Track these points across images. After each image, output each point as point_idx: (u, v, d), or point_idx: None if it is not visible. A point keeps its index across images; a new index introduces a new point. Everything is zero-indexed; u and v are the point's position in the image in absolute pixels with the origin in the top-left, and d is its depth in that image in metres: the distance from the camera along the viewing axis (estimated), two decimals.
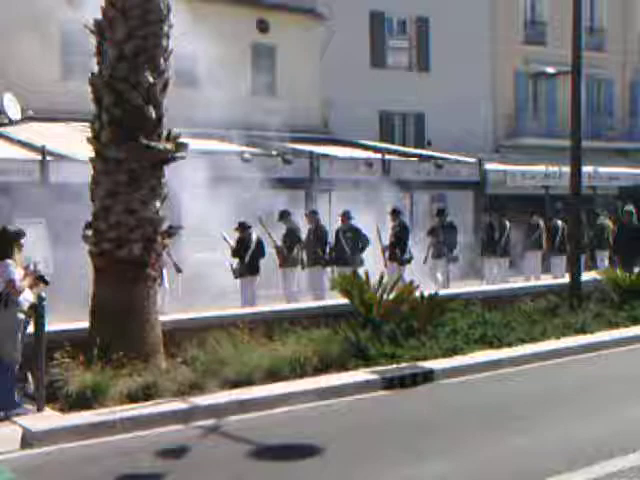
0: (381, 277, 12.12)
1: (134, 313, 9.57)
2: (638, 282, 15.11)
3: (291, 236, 16.51)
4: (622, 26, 34.88)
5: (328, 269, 16.94)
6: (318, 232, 16.83)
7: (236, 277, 15.62)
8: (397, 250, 17.29)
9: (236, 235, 15.65)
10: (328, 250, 16.88)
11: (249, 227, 15.69)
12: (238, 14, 26.27)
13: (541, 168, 25.88)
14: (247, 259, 15.58)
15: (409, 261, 17.45)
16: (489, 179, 24.75)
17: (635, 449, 7.35)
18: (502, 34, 31.40)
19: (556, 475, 6.75)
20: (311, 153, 21.77)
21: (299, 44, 26.94)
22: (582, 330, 12.95)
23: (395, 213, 17.63)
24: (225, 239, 15.51)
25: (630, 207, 19.44)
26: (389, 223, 17.72)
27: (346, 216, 17.12)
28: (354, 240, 16.88)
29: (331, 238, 17.15)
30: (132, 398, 8.50)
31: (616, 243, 19.37)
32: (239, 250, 15.55)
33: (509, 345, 11.74)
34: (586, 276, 15.52)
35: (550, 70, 28.88)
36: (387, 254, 17.36)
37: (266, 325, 10.75)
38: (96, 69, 9.89)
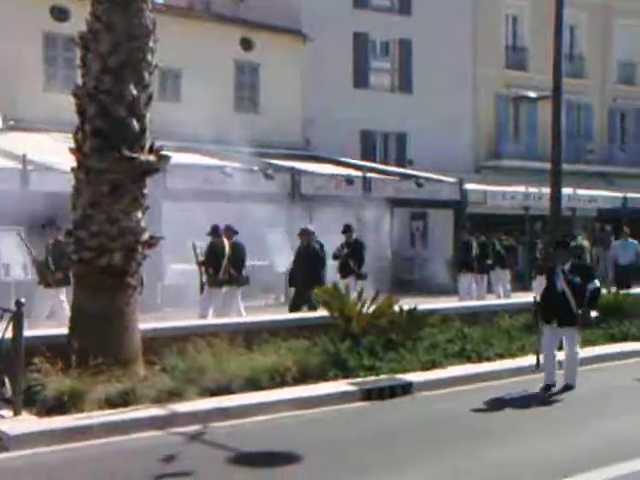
0: (360, 291, 12.16)
1: (113, 320, 9.56)
2: (615, 301, 15.27)
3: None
4: (601, 54, 35.34)
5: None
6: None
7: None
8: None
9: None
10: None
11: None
12: (223, 31, 26.46)
13: (521, 189, 26.09)
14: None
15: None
16: (469, 199, 24.92)
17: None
18: (484, 58, 31.75)
19: None
20: (292, 169, 21.85)
21: (283, 63, 27.13)
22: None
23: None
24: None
25: (308, 227, 16.54)
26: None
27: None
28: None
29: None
30: (110, 404, 8.45)
31: (292, 271, 16.30)
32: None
33: (488, 360, 11.81)
34: None
35: (531, 95, 29.19)
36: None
37: (245, 336, 10.74)
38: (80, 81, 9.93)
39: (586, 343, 13.48)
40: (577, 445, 8.15)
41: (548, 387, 10.76)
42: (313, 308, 13.85)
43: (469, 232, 20.74)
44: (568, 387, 10.84)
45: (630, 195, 29.18)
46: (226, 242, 15.25)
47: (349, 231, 17.16)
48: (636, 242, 22.15)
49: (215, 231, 15.22)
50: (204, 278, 15.13)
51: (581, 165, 31.46)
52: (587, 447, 8.07)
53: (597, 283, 11.11)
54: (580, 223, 26.77)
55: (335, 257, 17.08)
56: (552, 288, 10.99)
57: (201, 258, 15.21)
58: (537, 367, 11.03)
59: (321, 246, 16.21)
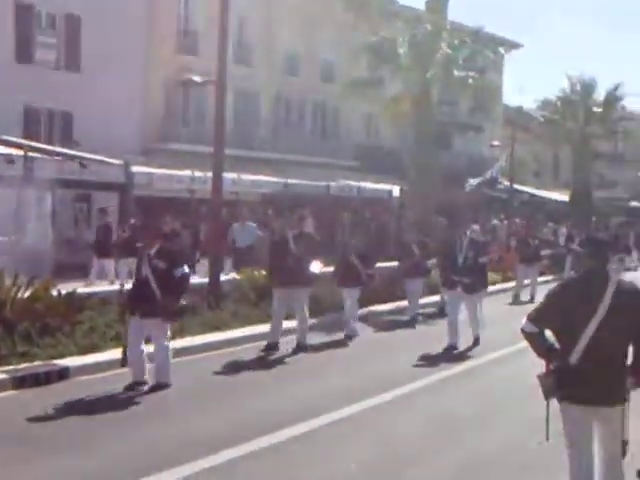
0: (16, 275, 11.68)
1: None
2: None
3: None
4: (268, 43, 36.61)
5: None
6: None
7: None
8: None
9: None
10: None
11: None
12: None
13: (187, 172, 26.39)
14: None
15: None
16: (135, 181, 24.78)
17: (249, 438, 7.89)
18: (156, 41, 31.69)
19: (178, 465, 7.06)
20: None
21: None
22: (219, 328, 13.46)
23: None
24: None
25: None
26: None
27: None
28: None
29: None
30: None
31: None
32: None
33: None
34: (225, 276, 16.21)
35: (197, 79, 29.63)
36: None
37: None
38: None
39: (246, 322, 14.10)
40: (218, 423, 8.60)
41: (137, 384, 9.72)
42: None
43: (108, 215, 20.68)
44: (162, 385, 9.86)
45: (291, 181, 30.68)
46: None
47: None
48: (254, 225, 22.95)
49: None
50: None
51: (247, 151, 32.45)
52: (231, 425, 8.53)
53: (186, 269, 10.04)
54: (246, 207, 27.56)
55: None
56: (138, 275, 9.99)
57: None
58: (123, 364, 10.12)
59: None
